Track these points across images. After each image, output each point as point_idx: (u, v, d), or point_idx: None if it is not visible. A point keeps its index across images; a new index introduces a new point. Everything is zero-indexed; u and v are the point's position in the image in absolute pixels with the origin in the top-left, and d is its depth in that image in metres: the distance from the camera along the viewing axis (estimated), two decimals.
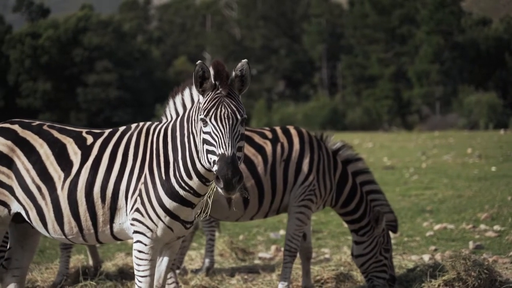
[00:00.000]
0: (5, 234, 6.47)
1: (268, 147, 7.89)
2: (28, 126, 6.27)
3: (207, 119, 5.39)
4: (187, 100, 5.94)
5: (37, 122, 6.36)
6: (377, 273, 8.25)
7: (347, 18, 71.67)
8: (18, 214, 6.16)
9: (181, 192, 5.76)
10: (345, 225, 13.09)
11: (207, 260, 9.59)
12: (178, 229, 5.89)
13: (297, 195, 7.89)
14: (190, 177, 5.73)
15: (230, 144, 5.28)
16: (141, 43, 73.35)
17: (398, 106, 61.84)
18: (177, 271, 9.40)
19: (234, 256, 10.40)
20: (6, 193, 6.08)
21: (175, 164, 5.78)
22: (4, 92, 67.61)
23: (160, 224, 5.81)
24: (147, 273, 5.90)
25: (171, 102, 6.06)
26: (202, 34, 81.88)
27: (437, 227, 12.36)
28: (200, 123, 5.46)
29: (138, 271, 5.92)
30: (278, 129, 8.17)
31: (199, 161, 5.64)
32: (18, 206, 6.09)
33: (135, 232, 5.87)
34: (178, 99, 6.01)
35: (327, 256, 10.46)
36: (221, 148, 5.27)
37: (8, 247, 6.63)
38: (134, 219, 5.84)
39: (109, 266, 9.54)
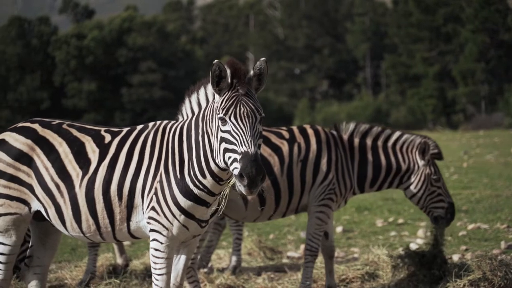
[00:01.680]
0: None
1: (284, 147, 7.88)
2: (48, 125, 6.34)
3: (226, 118, 5.38)
4: (202, 99, 5.95)
5: (57, 121, 6.42)
6: (435, 204, 8.34)
7: (391, 17, 71.13)
8: (38, 212, 6.24)
9: (196, 190, 5.77)
10: (378, 225, 13.09)
11: (233, 259, 9.60)
12: (194, 227, 5.90)
13: (316, 195, 7.87)
14: (204, 176, 5.74)
15: (252, 142, 5.28)
16: (184, 43, 73.66)
17: (443, 105, 61.17)
18: (205, 270, 9.46)
19: (262, 255, 10.40)
20: (26, 191, 6.16)
21: (190, 163, 5.79)
22: (50, 93, 68.51)
23: (176, 223, 5.82)
24: (163, 271, 5.93)
25: (187, 101, 6.08)
26: (245, 34, 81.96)
27: (470, 226, 12.23)
28: (217, 122, 5.46)
29: (155, 269, 5.94)
30: (295, 128, 8.15)
31: (213, 160, 5.64)
32: (38, 204, 6.16)
33: (151, 230, 5.90)
34: (193, 98, 6.03)
35: (356, 255, 10.41)
36: (244, 146, 5.27)
37: (30, 245, 6.71)
38: (150, 218, 5.87)
39: (136, 264, 9.60)
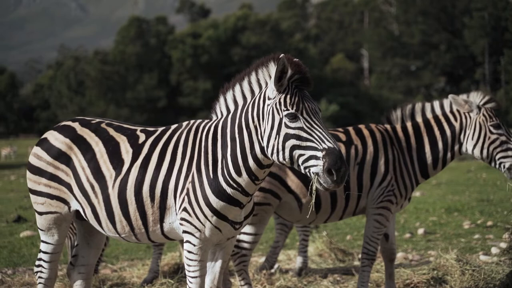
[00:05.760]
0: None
1: (341, 150, 7.56)
2: (87, 124, 6.33)
3: (299, 114, 5.23)
4: (238, 96, 5.77)
5: (97, 120, 6.40)
6: (502, 154, 7.58)
7: None
8: (79, 211, 6.23)
9: (229, 190, 5.60)
10: (464, 227, 12.57)
11: (299, 260, 9.40)
12: (227, 229, 5.74)
13: (375, 197, 7.56)
14: (239, 174, 5.57)
15: (331, 138, 5.14)
16: (298, 41, 73.70)
17: None
18: (271, 270, 9.30)
19: (333, 257, 10.14)
20: (66, 190, 6.16)
21: (224, 161, 5.62)
22: (167, 91, 69.93)
23: (208, 224, 5.67)
24: (197, 273, 5.79)
25: (221, 99, 5.88)
26: (359, 31, 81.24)
27: None
28: (278, 118, 5.29)
29: (189, 271, 5.81)
30: (351, 129, 7.83)
31: (253, 157, 5.48)
32: (77, 204, 6.15)
33: (184, 232, 5.77)
34: (229, 95, 5.85)
35: (432, 259, 9.99)
36: (326, 142, 5.11)
37: (75, 244, 6.73)
38: (182, 219, 5.74)
39: None
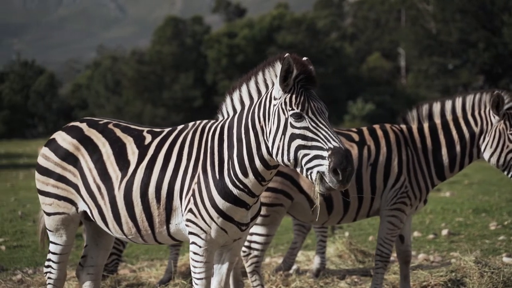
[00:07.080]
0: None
1: (354, 151, 7.46)
2: (94, 124, 6.33)
3: (304, 113, 5.18)
4: (245, 97, 5.73)
5: (105, 121, 6.39)
6: None
7: None
8: (86, 212, 6.23)
9: (235, 191, 5.55)
10: (490, 228, 12.38)
11: (316, 261, 9.32)
12: (233, 231, 5.69)
13: (388, 199, 7.44)
14: (246, 175, 5.52)
15: (337, 137, 5.08)
16: (334, 40, 73.36)
17: None
18: (289, 271, 9.24)
19: (353, 258, 10.03)
20: (73, 191, 6.16)
21: (230, 162, 5.58)
22: (203, 91, 70.04)
23: (213, 226, 5.63)
24: (203, 275, 5.75)
25: (228, 99, 5.85)
26: (396, 30, 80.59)
27: None
28: (283, 118, 5.24)
29: (195, 273, 5.78)
30: (365, 130, 7.72)
31: (259, 158, 5.44)
32: (84, 205, 6.15)
33: (190, 233, 5.74)
34: (235, 95, 5.80)
35: (453, 260, 9.83)
36: (332, 142, 5.05)
37: (84, 245, 6.73)
38: (188, 220, 5.71)
39: None
